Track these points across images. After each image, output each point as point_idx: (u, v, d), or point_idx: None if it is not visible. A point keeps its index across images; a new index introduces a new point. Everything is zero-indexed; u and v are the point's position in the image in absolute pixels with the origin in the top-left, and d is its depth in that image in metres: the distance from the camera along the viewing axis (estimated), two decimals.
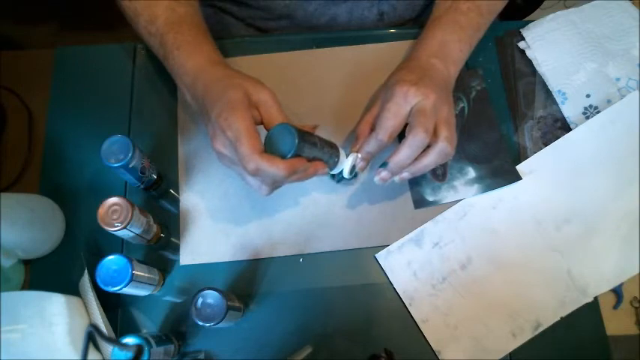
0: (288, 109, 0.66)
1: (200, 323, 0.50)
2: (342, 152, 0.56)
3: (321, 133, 0.65)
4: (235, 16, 0.78)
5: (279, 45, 0.70)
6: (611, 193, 0.62)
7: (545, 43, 0.68)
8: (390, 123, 0.53)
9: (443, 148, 0.53)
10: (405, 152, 0.53)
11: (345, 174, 0.57)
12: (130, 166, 0.55)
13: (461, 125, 0.65)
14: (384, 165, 0.55)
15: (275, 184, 0.52)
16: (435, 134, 0.53)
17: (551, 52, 0.67)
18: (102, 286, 0.51)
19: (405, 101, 0.53)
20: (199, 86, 0.54)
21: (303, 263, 0.61)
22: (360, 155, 0.56)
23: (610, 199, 0.62)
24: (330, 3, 0.72)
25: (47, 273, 0.61)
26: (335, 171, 0.56)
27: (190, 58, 0.56)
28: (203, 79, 0.54)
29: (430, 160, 0.54)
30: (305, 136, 0.49)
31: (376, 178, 0.56)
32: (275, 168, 0.47)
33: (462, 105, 0.66)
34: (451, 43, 0.60)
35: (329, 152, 0.54)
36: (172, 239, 0.62)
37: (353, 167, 0.57)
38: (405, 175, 0.56)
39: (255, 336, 0.58)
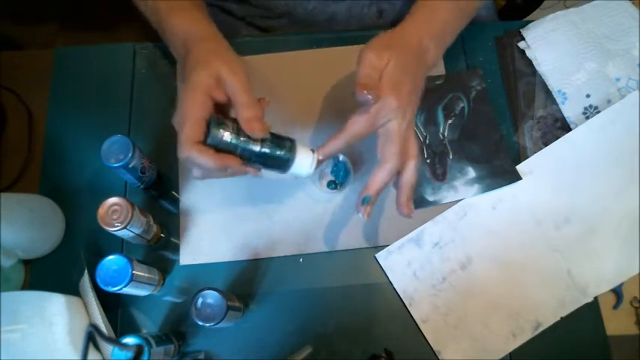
0: (288, 109, 0.67)
1: (200, 323, 0.50)
2: (300, 150, 0.52)
3: (320, 132, 0.65)
4: (235, 15, 0.78)
5: (279, 45, 0.70)
6: (611, 193, 0.62)
7: (545, 43, 0.68)
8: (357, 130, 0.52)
9: (414, 165, 0.52)
10: (381, 178, 0.52)
11: (303, 171, 0.53)
12: (130, 166, 0.55)
13: (461, 125, 0.65)
14: (365, 200, 0.53)
15: (207, 174, 0.52)
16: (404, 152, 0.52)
17: (551, 52, 0.67)
18: (102, 286, 0.51)
19: (377, 114, 0.51)
20: (186, 57, 0.54)
21: (303, 263, 0.61)
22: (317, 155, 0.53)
23: (610, 199, 0.62)
24: (329, 1, 0.72)
25: (47, 273, 0.61)
26: (294, 170, 0.52)
27: (182, 25, 0.56)
28: (189, 50, 0.54)
29: (411, 178, 0.53)
30: (224, 127, 0.49)
31: (362, 216, 0.53)
32: (205, 160, 0.48)
33: (462, 105, 0.66)
34: (451, 26, 0.58)
35: (270, 147, 0.50)
36: (172, 239, 0.62)
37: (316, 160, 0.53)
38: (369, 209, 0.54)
39: (255, 336, 0.58)
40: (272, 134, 0.51)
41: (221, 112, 0.52)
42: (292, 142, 0.52)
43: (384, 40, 0.53)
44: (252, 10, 0.76)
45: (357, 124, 0.51)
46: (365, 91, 0.49)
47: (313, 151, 0.52)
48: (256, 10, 0.75)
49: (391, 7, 0.74)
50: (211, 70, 0.50)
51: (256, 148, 0.50)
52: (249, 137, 0.50)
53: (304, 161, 0.52)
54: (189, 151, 0.48)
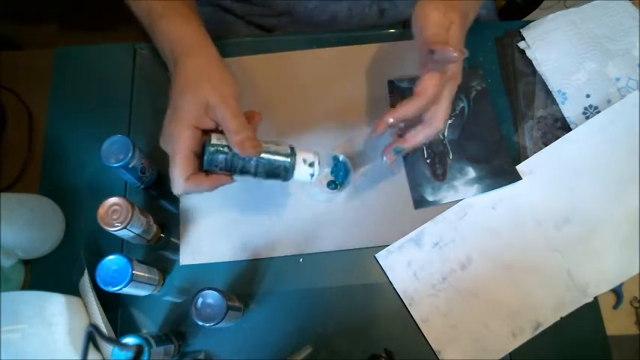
0: (288, 109, 0.67)
1: (200, 323, 0.50)
2: (298, 161, 0.52)
3: (320, 132, 0.65)
4: (235, 13, 0.78)
5: (280, 45, 0.70)
6: (611, 193, 0.62)
7: (545, 43, 0.68)
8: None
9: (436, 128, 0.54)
10: (426, 135, 0.54)
11: (304, 180, 0.53)
12: (130, 166, 0.55)
13: (461, 125, 0.65)
14: (397, 151, 0.56)
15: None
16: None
17: (551, 52, 0.67)
18: (102, 286, 0.51)
19: (449, 74, 0.53)
20: (174, 73, 0.54)
21: (303, 263, 0.61)
22: (317, 158, 0.53)
23: (610, 199, 0.62)
24: (330, 0, 0.72)
25: (47, 273, 0.61)
26: (296, 179, 0.53)
27: (171, 32, 0.55)
28: (177, 67, 0.53)
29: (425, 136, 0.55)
30: (219, 152, 0.50)
31: (385, 160, 0.57)
32: (201, 189, 0.51)
33: (462, 105, 0.66)
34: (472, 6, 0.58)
35: (267, 162, 0.52)
36: (172, 239, 0.62)
37: (317, 169, 0.53)
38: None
39: (255, 336, 0.58)
40: (270, 148, 0.52)
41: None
42: (289, 155, 0.52)
43: (444, 1, 0.53)
44: (252, 8, 0.76)
45: (434, 85, 0.51)
46: (450, 48, 0.48)
47: (314, 155, 0.53)
48: (257, 8, 0.75)
49: (392, 6, 0.74)
50: (199, 97, 0.50)
51: (252, 168, 0.51)
52: (244, 164, 0.51)
53: (303, 172, 0.53)
54: (184, 188, 0.50)
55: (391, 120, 0.53)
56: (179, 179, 0.50)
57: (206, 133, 0.52)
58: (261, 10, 0.75)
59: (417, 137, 0.55)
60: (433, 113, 0.54)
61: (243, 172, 0.52)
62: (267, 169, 0.52)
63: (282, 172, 0.52)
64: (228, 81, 0.53)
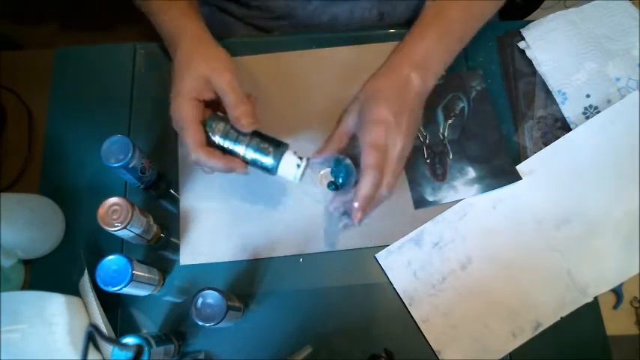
0: (288, 109, 0.67)
1: (200, 323, 0.50)
2: (287, 154, 0.53)
3: (320, 132, 0.65)
4: (234, 15, 0.78)
5: (279, 45, 0.70)
6: (611, 193, 0.62)
7: (545, 43, 0.68)
8: (369, 192, 0.51)
9: (383, 193, 0.53)
10: (372, 207, 0.53)
11: (290, 176, 0.53)
12: (130, 166, 0.56)
13: (461, 125, 0.65)
14: (345, 215, 0.55)
15: (213, 172, 0.55)
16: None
17: (551, 52, 0.67)
18: (102, 286, 0.51)
19: (383, 139, 0.52)
20: (174, 57, 0.57)
21: (303, 263, 0.61)
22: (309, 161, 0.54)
23: (610, 199, 0.62)
24: (329, 3, 0.72)
25: (47, 273, 0.61)
26: (281, 175, 0.54)
27: (171, 20, 0.58)
28: (175, 51, 0.56)
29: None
30: (214, 129, 0.53)
31: (341, 225, 0.58)
32: (213, 162, 0.52)
33: (462, 105, 0.66)
34: (435, 54, 0.58)
35: (256, 150, 0.53)
36: (172, 239, 0.62)
37: (304, 171, 0.53)
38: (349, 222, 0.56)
39: (255, 336, 0.58)
40: (263, 137, 0.53)
41: (217, 106, 0.54)
42: (280, 147, 0.53)
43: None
44: (251, 11, 0.76)
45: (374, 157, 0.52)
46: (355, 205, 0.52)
47: (301, 159, 0.53)
48: (256, 11, 0.75)
49: (392, 10, 0.74)
50: (196, 73, 0.53)
51: (243, 144, 0.52)
52: (237, 136, 0.52)
53: (289, 170, 0.53)
54: (197, 154, 0.51)
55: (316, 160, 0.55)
56: (192, 145, 0.51)
57: (211, 108, 0.55)
58: (260, 13, 0.75)
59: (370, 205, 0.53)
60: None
61: (237, 142, 0.53)
62: (253, 158, 0.53)
63: (267, 167, 0.53)
64: (223, 57, 0.55)
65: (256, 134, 0.53)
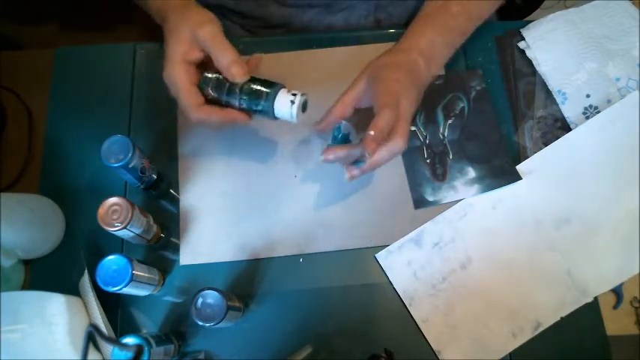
0: None
1: (200, 323, 0.50)
2: (282, 92, 0.53)
3: (320, 132, 0.65)
4: (233, 22, 0.78)
5: (278, 45, 0.70)
6: (611, 193, 0.62)
7: (545, 43, 0.68)
8: (385, 126, 0.53)
9: (398, 143, 0.53)
10: (385, 156, 0.53)
11: (287, 116, 0.54)
12: (130, 166, 0.56)
13: (461, 125, 0.65)
14: (357, 164, 0.54)
15: (219, 128, 0.56)
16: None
17: (551, 52, 0.67)
18: (102, 286, 0.51)
19: (396, 109, 0.53)
20: (163, 32, 0.57)
21: (303, 263, 0.61)
22: (303, 98, 0.54)
23: (610, 199, 0.62)
24: (325, 12, 0.72)
25: (47, 273, 0.61)
26: (278, 115, 0.54)
27: (163, 5, 0.57)
28: (164, 25, 0.56)
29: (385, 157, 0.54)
30: (205, 85, 0.54)
31: (347, 176, 0.55)
32: (213, 118, 0.53)
33: (462, 105, 0.66)
34: (438, 45, 0.61)
35: (251, 90, 0.53)
36: (172, 239, 0.62)
37: (300, 106, 0.53)
38: (356, 172, 0.55)
39: (255, 336, 0.58)
40: (256, 81, 0.53)
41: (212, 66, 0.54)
42: (273, 88, 0.53)
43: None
44: (249, 21, 0.76)
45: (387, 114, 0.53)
46: (368, 149, 0.52)
47: (295, 95, 0.53)
48: (253, 21, 0.75)
49: (388, 17, 0.74)
50: (180, 35, 0.53)
51: (236, 99, 0.53)
52: (230, 86, 0.53)
53: (284, 110, 0.53)
54: (197, 114, 0.53)
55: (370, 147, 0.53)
56: (190, 107, 0.53)
57: (203, 68, 0.55)
58: (257, 22, 0.75)
59: (381, 153, 0.53)
60: (395, 128, 0.53)
61: (230, 92, 0.53)
62: (249, 93, 0.53)
63: (261, 104, 0.53)
64: (201, 14, 0.54)
65: (249, 80, 0.53)
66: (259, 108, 0.54)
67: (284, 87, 0.54)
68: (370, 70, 0.58)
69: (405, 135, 0.53)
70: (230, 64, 0.52)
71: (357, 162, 0.54)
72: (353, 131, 0.59)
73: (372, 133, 0.51)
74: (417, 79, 0.58)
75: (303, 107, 0.55)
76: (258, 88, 0.53)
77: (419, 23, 0.62)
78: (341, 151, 0.53)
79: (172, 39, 0.54)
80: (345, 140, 0.58)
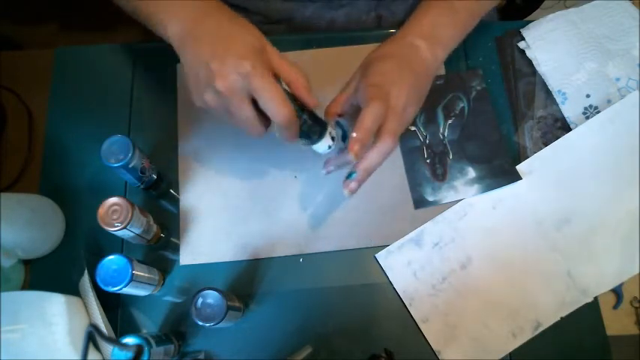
0: None
1: (200, 323, 0.50)
2: (327, 135, 0.52)
3: None
4: None
5: (278, 45, 0.70)
6: (611, 193, 0.62)
7: (545, 43, 0.68)
8: (371, 125, 0.49)
9: (387, 142, 0.50)
10: (375, 159, 0.50)
11: (319, 150, 0.53)
12: (130, 166, 0.56)
13: (461, 125, 0.65)
14: (350, 176, 0.52)
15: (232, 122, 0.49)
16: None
17: (551, 52, 0.67)
18: (102, 286, 0.51)
19: (383, 102, 0.50)
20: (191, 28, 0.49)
21: (303, 263, 0.61)
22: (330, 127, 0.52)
23: (610, 199, 0.62)
24: (327, 7, 0.72)
25: (47, 273, 0.61)
26: (318, 148, 0.53)
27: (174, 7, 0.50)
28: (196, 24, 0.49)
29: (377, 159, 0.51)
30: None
31: (346, 192, 0.52)
32: (268, 96, 0.46)
33: (462, 105, 0.66)
34: (442, 26, 0.56)
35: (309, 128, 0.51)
36: (172, 239, 0.62)
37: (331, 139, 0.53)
38: (354, 185, 0.52)
39: (255, 336, 0.58)
40: (312, 115, 0.51)
41: None
42: (324, 127, 0.52)
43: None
44: (249, 16, 0.76)
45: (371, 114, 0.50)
46: (350, 154, 0.49)
47: (334, 139, 0.53)
48: (254, 16, 0.75)
49: (390, 14, 0.74)
50: (254, 33, 0.48)
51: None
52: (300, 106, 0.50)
53: (321, 149, 0.53)
54: (261, 81, 0.45)
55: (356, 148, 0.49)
56: (259, 70, 0.45)
57: None
58: (259, 17, 0.75)
59: (371, 156, 0.50)
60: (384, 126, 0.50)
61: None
62: (303, 129, 0.51)
63: (310, 140, 0.52)
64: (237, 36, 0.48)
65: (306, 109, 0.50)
66: (304, 142, 0.52)
67: (327, 128, 0.52)
68: (362, 67, 0.55)
69: (393, 132, 0.49)
70: (281, 124, 0.47)
71: (351, 174, 0.52)
72: (347, 122, 0.57)
73: (354, 135, 0.48)
74: (417, 65, 0.54)
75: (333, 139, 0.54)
76: (314, 127, 0.51)
77: (421, 8, 0.59)
78: (339, 160, 0.53)
79: (242, 33, 0.47)
80: (343, 128, 0.57)
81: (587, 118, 0.65)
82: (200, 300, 0.51)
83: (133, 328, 0.59)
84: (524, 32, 0.69)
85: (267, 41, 0.49)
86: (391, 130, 0.49)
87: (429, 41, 0.55)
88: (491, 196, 0.63)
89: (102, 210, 0.53)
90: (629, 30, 0.67)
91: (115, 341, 0.50)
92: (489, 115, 0.66)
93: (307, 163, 0.64)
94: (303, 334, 0.58)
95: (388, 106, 0.50)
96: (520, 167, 0.63)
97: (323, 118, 0.54)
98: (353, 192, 0.52)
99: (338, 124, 0.59)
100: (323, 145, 0.53)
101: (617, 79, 0.66)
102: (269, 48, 0.48)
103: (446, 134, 0.65)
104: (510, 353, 0.58)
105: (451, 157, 0.64)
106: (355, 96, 0.54)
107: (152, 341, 0.50)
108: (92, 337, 0.48)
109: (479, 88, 0.67)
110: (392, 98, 0.50)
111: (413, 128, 0.66)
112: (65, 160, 0.65)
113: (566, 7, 0.69)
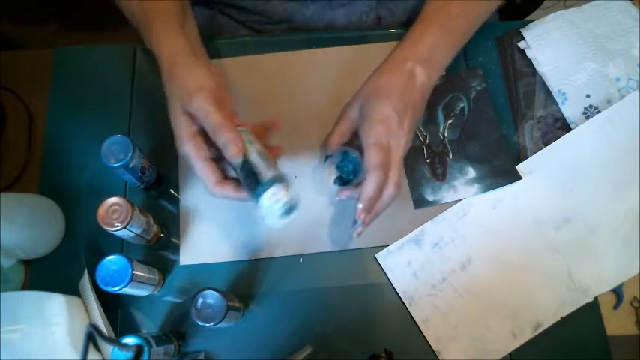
0: (287, 109, 0.67)
1: (200, 323, 0.50)
2: (270, 192, 0.49)
3: (319, 132, 0.65)
4: (234, 18, 0.78)
5: (278, 45, 0.70)
6: (611, 193, 0.62)
7: (545, 43, 0.68)
8: (373, 194, 0.52)
9: (390, 193, 0.53)
10: (380, 208, 0.53)
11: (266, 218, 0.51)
12: (130, 166, 0.55)
13: (461, 125, 0.65)
14: (356, 223, 0.54)
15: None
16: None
17: (551, 52, 0.67)
18: (102, 286, 0.51)
19: (386, 138, 0.52)
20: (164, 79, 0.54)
21: (303, 263, 0.61)
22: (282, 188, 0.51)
23: (610, 199, 0.62)
24: (327, 7, 0.72)
25: (47, 273, 0.61)
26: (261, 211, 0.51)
27: (161, 48, 0.54)
28: (161, 70, 0.53)
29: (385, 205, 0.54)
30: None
31: (355, 234, 0.55)
32: (231, 197, 0.51)
33: (462, 105, 0.66)
34: (439, 48, 0.59)
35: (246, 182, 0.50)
36: (172, 239, 0.62)
37: (282, 214, 0.50)
38: (361, 229, 0.54)
39: (255, 336, 0.58)
40: (257, 163, 0.50)
41: None
42: (264, 183, 0.49)
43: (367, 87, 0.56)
44: (250, 16, 0.76)
45: (377, 156, 0.52)
46: (359, 207, 0.53)
47: (291, 197, 0.50)
48: (255, 16, 0.75)
49: (390, 14, 0.74)
50: (175, 108, 0.51)
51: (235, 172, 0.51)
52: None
53: (266, 210, 0.50)
54: (215, 191, 0.51)
55: (361, 207, 0.52)
56: (208, 184, 0.51)
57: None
58: (259, 17, 0.75)
59: (377, 208, 0.53)
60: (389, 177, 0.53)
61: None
62: (245, 175, 0.50)
63: (252, 188, 0.49)
64: (186, 74, 0.51)
65: (249, 159, 0.50)
66: (250, 194, 0.50)
67: (279, 183, 0.49)
68: (361, 98, 0.56)
69: (397, 181, 0.53)
70: (225, 145, 0.49)
71: (357, 221, 0.54)
72: (358, 153, 0.58)
73: (360, 206, 0.51)
74: (414, 95, 0.56)
75: (289, 211, 0.50)
76: (253, 176, 0.49)
77: (418, 27, 0.60)
78: (353, 193, 0.55)
79: (170, 109, 0.52)
80: (354, 163, 0.58)
81: (587, 118, 0.65)
82: (200, 300, 0.51)
83: (133, 328, 0.59)
84: (524, 32, 0.69)
85: (190, 96, 0.49)
86: (394, 181, 0.53)
87: (426, 64, 0.57)
88: (491, 196, 0.63)
89: (102, 210, 0.53)
90: (629, 30, 0.67)
91: (115, 341, 0.50)
92: (489, 115, 0.66)
93: (307, 164, 0.64)
94: (303, 334, 0.58)
95: (389, 160, 0.52)
96: (520, 167, 0.63)
97: (269, 175, 0.50)
98: (361, 234, 0.55)
99: (348, 159, 0.59)
100: (265, 207, 0.49)
101: (617, 79, 0.66)
102: (191, 109, 0.50)
103: (446, 134, 0.65)
104: (510, 353, 0.58)
105: (451, 157, 0.64)
106: (354, 126, 0.56)
107: (152, 341, 0.50)
108: (92, 337, 0.48)
109: (479, 88, 0.67)
110: (393, 151, 0.53)
111: None
112: (65, 160, 0.65)
113: (566, 7, 0.69)
